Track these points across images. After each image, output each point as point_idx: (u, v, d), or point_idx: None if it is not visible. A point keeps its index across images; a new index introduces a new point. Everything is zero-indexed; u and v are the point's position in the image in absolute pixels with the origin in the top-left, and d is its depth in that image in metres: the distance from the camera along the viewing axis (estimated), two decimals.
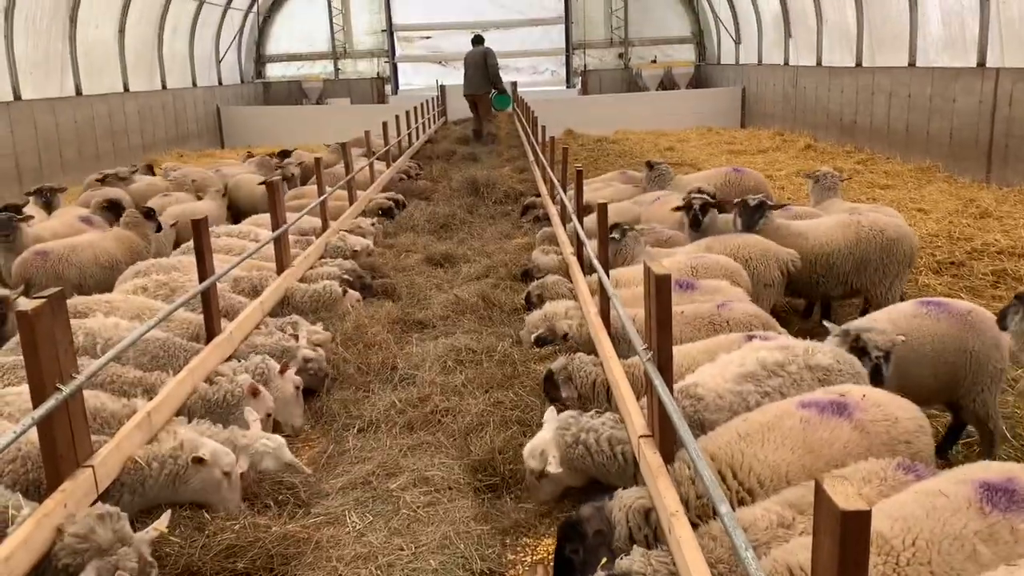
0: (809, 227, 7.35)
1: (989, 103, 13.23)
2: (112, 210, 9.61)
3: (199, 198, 11.87)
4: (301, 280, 7.86)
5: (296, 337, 6.28)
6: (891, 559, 2.79)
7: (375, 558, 4.11)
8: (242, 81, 30.39)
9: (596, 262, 6.02)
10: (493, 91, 20.72)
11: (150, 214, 8.99)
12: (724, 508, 2.60)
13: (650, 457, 3.83)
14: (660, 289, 3.71)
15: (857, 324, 4.79)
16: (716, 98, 26.60)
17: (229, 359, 5.82)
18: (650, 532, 3.66)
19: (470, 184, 13.87)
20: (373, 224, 10.74)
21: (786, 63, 22.95)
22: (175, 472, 4.30)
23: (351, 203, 11.47)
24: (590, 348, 5.85)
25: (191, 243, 8.08)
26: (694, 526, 3.39)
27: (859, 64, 18.56)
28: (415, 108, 20.65)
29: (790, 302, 7.93)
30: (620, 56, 32.00)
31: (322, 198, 9.81)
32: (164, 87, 23.47)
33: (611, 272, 6.38)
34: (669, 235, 8.27)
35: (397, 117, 17.88)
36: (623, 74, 31.79)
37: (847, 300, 7.66)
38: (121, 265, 7.96)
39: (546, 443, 4.39)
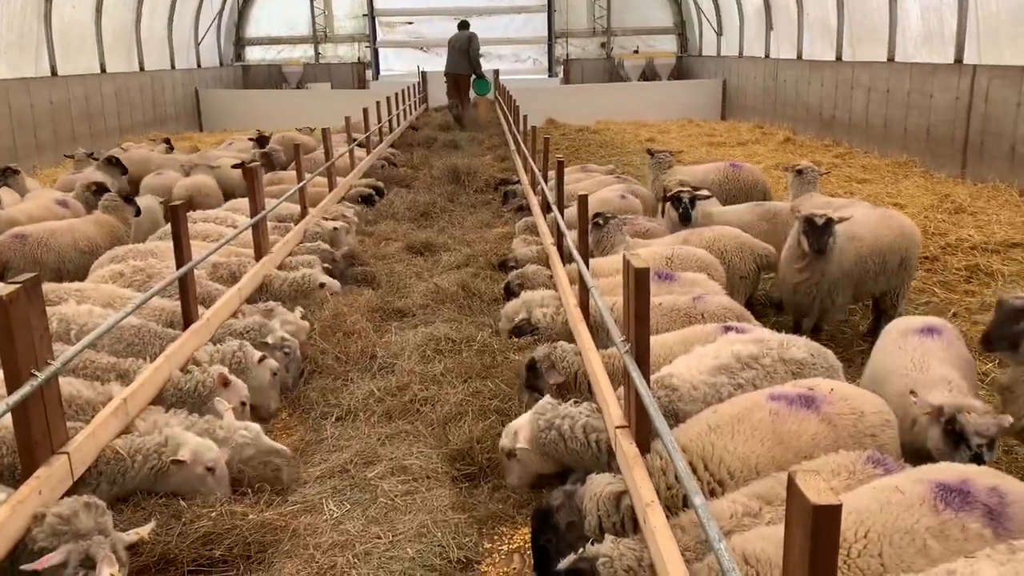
0: (858, 226, 6.80)
1: (965, 99, 13.37)
2: (98, 194, 9.43)
3: None
4: (280, 267, 7.83)
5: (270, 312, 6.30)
6: (842, 550, 2.87)
7: (352, 546, 4.13)
8: (221, 64, 30.07)
9: (576, 253, 6.04)
10: (473, 76, 21.54)
11: (130, 199, 8.90)
12: (699, 500, 2.64)
13: (626, 447, 3.87)
14: (639, 282, 3.74)
15: (953, 402, 4.00)
16: (697, 90, 26.68)
17: (205, 344, 5.80)
18: (618, 520, 3.71)
19: (451, 172, 13.84)
20: (354, 212, 10.70)
21: (767, 56, 23.06)
22: (157, 468, 4.30)
23: (331, 189, 11.42)
24: (566, 337, 5.88)
25: (168, 228, 8.06)
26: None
27: (839, 58, 18.68)
28: (396, 94, 20.55)
29: (767, 294, 8.00)
30: (602, 46, 31.99)
31: (301, 184, 9.75)
32: (142, 69, 23.18)
33: (590, 262, 6.41)
34: (648, 226, 8.32)
35: (378, 103, 17.79)
36: (605, 64, 31.79)
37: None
38: (101, 250, 7.88)
39: (521, 424, 4.49)
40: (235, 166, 11.84)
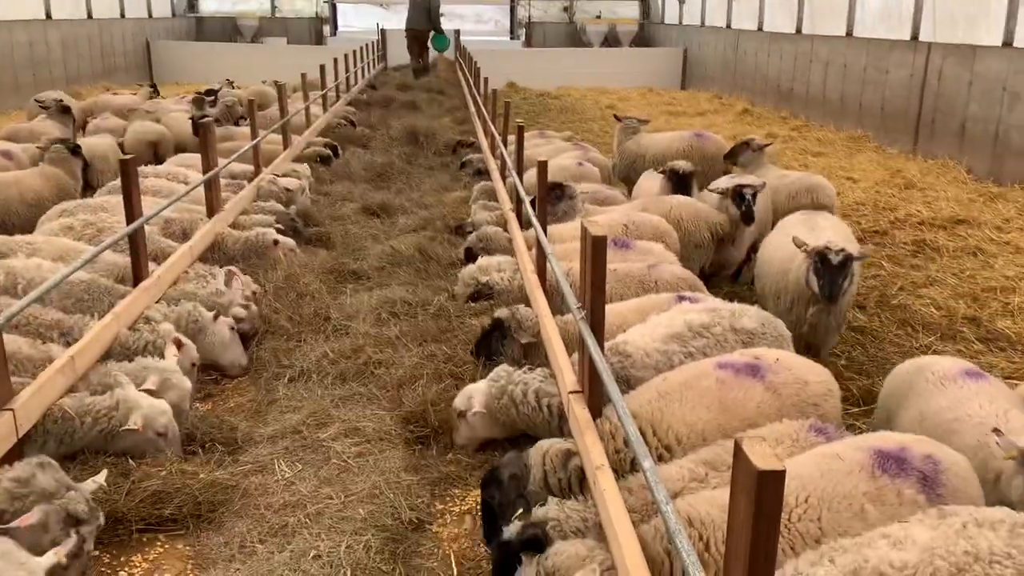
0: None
1: (920, 77, 13.59)
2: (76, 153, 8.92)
3: None
4: (232, 225, 7.70)
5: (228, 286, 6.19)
6: (784, 515, 2.96)
7: (304, 506, 4.14)
8: (174, 15, 29.16)
9: (534, 219, 6.05)
10: (432, 32, 22.32)
11: (76, 150, 8.64)
12: (647, 463, 2.69)
13: (579, 412, 3.92)
14: (596, 250, 3.77)
15: None
16: (658, 58, 26.66)
17: (158, 302, 5.71)
18: (564, 477, 3.77)
19: (409, 133, 13.70)
20: (308, 169, 10.54)
21: (728, 26, 23.10)
22: (107, 430, 4.24)
23: (285, 148, 11.22)
24: (523, 301, 5.92)
25: (118, 182, 7.86)
26: None
27: (799, 31, 18.80)
28: (354, 52, 20.18)
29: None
30: (565, 10, 31.71)
31: (255, 141, 9.56)
32: (90, 16, 22.36)
33: (548, 228, 6.42)
34: (607, 195, 8.36)
35: (335, 60, 17.45)
36: (567, 28, 31.54)
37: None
38: (47, 204, 7.67)
39: (477, 389, 4.56)
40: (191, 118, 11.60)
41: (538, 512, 3.44)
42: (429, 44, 22.96)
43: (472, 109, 15.75)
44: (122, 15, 24.44)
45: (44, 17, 19.92)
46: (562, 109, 19.33)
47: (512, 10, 31.74)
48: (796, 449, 3.41)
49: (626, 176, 10.22)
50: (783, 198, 7.86)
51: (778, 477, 1.88)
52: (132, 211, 5.72)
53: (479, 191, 9.68)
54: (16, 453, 3.92)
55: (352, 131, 14.33)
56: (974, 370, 4.21)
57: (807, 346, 5.50)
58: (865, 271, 7.91)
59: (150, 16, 26.72)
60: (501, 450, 4.54)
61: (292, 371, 5.56)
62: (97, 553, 3.75)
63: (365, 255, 7.89)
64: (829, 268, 5.08)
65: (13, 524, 3.20)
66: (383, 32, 27.00)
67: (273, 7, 31.49)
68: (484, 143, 11.94)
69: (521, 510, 3.58)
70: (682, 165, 8.01)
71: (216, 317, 5.56)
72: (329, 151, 11.97)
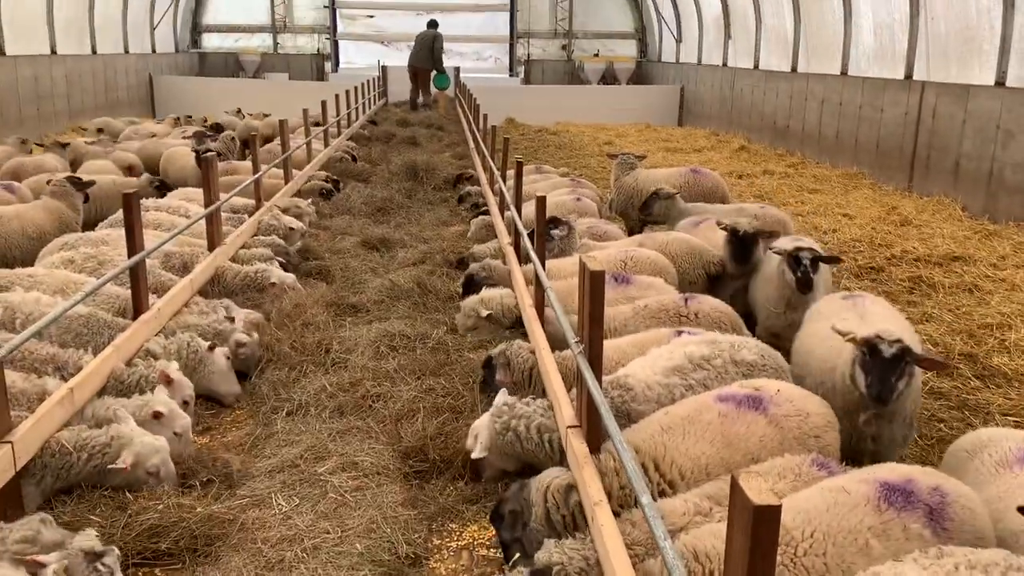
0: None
1: (914, 115, 13.75)
2: (81, 187, 8.89)
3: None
4: (233, 259, 7.75)
5: (232, 319, 6.22)
6: (790, 549, 2.97)
7: (301, 540, 4.12)
8: (177, 50, 29.52)
9: (533, 253, 6.09)
10: (434, 71, 23.66)
11: (79, 183, 8.72)
12: (645, 499, 2.70)
13: (577, 447, 3.93)
14: (594, 285, 3.80)
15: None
16: (655, 95, 26.97)
17: (157, 335, 5.73)
18: (567, 513, 3.76)
19: (409, 168, 13.81)
20: (309, 203, 10.62)
21: (724, 64, 23.40)
22: (100, 466, 4.24)
23: (287, 182, 11.32)
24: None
25: (119, 215, 7.92)
26: (617, 515, 3.51)
27: (794, 69, 19.06)
28: (355, 88, 20.42)
29: None
30: (563, 48, 32.14)
31: (257, 176, 9.65)
32: (94, 52, 22.64)
33: (547, 263, 6.47)
34: (605, 230, 8.42)
35: (337, 96, 17.65)
36: (566, 66, 31.95)
37: None
38: (49, 237, 7.73)
39: (480, 427, 4.52)
40: (194, 150, 11.73)
41: (540, 557, 3.41)
42: (431, 83, 24.10)
43: (471, 145, 15.90)
44: (126, 51, 24.73)
45: (49, 52, 20.16)
46: (560, 145, 19.50)
47: (511, 48, 32.16)
48: (799, 483, 3.41)
49: (623, 211, 10.30)
50: None
51: (774, 512, 1.90)
52: (134, 244, 5.76)
53: (478, 225, 9.75)
54: (14, 486, 3.91)
55: (353, 166, 14.46)
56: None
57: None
58: None
59: (153, 52, 27.04)
60: (504, 483, 4.54)
61: (290, 404, 5.56)
62: None
63: (364, 288, 7.93)
64: (880, 362, 4.15)
65: (30, 557, 3.22)
66: (384, 68, 27.33)
67: (275, 43, 31.89)
68: (483, 178, 12.04)
69: (518, 554, 3.59)
70: (743, 225, 6.88)
71: (212, 348, 5.59)
72: (330, 185, 12.07)
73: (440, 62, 23.58)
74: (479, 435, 4.50)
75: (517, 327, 6.36)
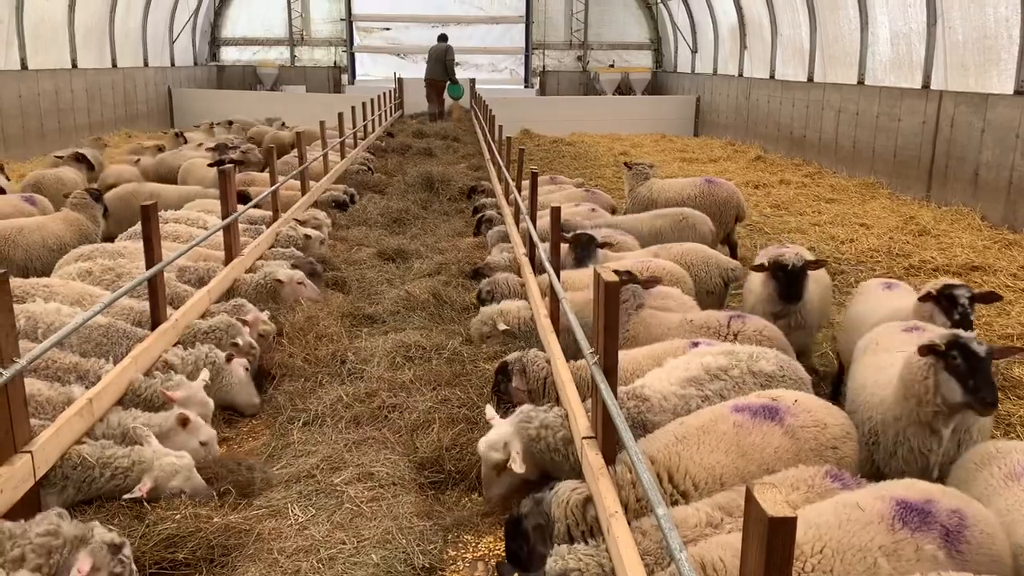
0: None
1: (932, 124, 13.67)
2: (99, 200, 9.06)
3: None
4: (248, 271, 7.80)
5: (245, 322, 6.28)
6: (798, 563, 2.92)
7: (316, 551, 4.13)
8: (195, 63, 29.81)
9: (547, 264, 6.10)
10: (448, 82, 24.59)
11: (98, 196, 8.82)
12: (661, 511, 2.69)
13: (592, 458, 3.92)
14: (608, 296, 3.80)
15: None
16: (671, 105, 26.96)
17: (175, 346, 5.78)
18: (587, 528, 3.74)
19: (425, 179, 13.86)
20: (326, 216, 10.68)
21: (740, 74, 23.37)
22: (124, 488, 4.27)
23: (303, 193, 11.39)
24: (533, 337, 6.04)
25: (138, 227, 8.00)
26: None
27: (811, 79, 19.00)
28: (372, 100, 20.54)
29: None
30: (579, 59, 32.21)
31: (274, 187, 9.72)
32: (114, 65, 22.92)
33: (562, 274, 6.47)
34: (619, 240, 8.40)
35: (353, 108, 17.76)
36: (581, 76, 32.01)
37: None
38: (68, 248, 7.82)
39: (508, 436, 4.38)
40: (210, 164, 11.83)
41: (555, 566, 3.38)
42: (445, 93, 24.89)
43: (487, 156, 15.94)
44: (145, 64, 25.02)
45: (70, 66, 20.43)
46: (575, 156, 19.52)
47: (527, 59, 32.27)
48: (812, 495, 3.38)
49: None
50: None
51: (789, 524, 1.89)
52: (152, 255, 5.82)
53: (494, 237, 9.76)
54: (34, 495, 3.95)
55: (369, 177, 14.54)
56: None
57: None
58: None
59: (172, 64, 27.33)
60: (517, 495, 4.53)
61: (307, 415, 5.58)
62: None
63: (380, 299, 7.96)
64: (977, 362, 3.78)
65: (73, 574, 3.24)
66: (400, 81, 27.49)
67: (293, 56, 32.16)
68: (498, 189, 12.07)
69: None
70: (791, 258, 5.96)
71: (230, 359, 5.62)
72: (346, 197, 12.13)
73: (453, 73, 24.60)
74: (509, 443, 4.33)
75: (534, 340, 6.36)
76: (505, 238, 9.52)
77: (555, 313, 5.99)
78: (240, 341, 5.96)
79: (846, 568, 2.91)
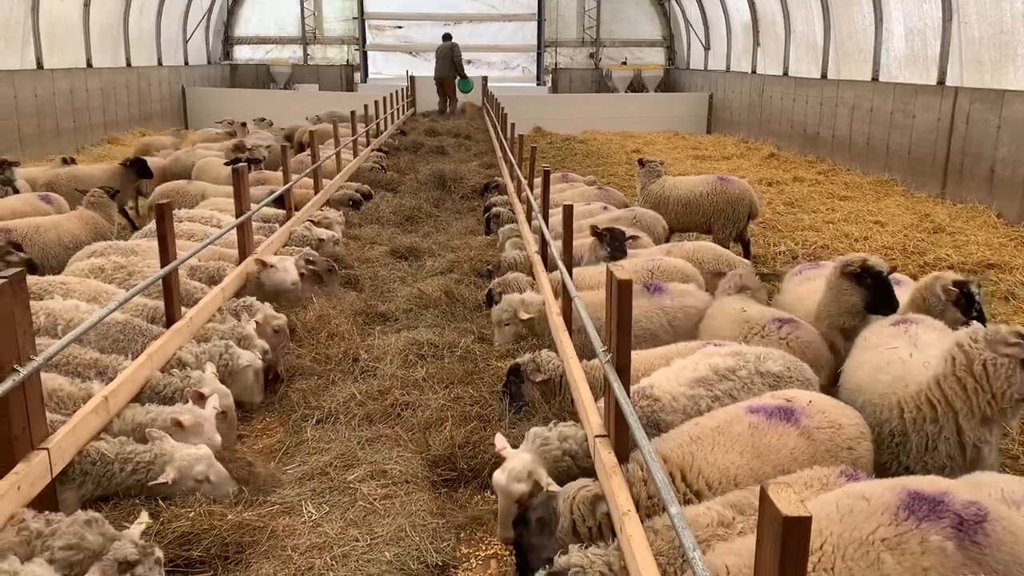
0: None
1: (947, 120, 13.58)
2: (115, 197, 9.15)
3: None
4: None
5: (258, 323, 6.30)
6: None
7: (330, 548, 4.14)
8: (209, 62, 29.96)
9: (560, 263, 6.10)
10: (457, 77, 25.42)
11: (114, 195, 8.88)
12: (674, 509, 2.68)
13: (605, 457, 3.92)
14: (622, 294, 3.79)
15: None
16: (684, 103, 26.90)
17: (189, 343, 5.81)
18: (595, 524, 3.73)
19: (437, 178, 13.88)
20: (340, 214, 10.70)
21: (753, 71, 23.27)
22: (143, 479, 4.30)
23: (316, 191, 11.42)
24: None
25: (151, 226, 8.05)
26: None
27: (824, 76, 18.90)
28: (384, 98, 20.58)
29: None
30: (591, 56, 32.16)
31: (287, 186, 9.75)
32: (128, 64, 23.06)
33: (574, 271, 6.47)
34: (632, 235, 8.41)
35: (365, 107, 17.80)
36: (593, 74, 31.97)
37: None
38: (83, 246, 7.86)
39: (530, 464, 4.18)
40: (227, 163, 11.89)
41: (560, 560, 3.39)
42: (456, 89, 25.70)
43: (499, 154, 15.95)
44: (159, 63, 25.15)
45: (85, 66, 20.57)
46: (588, 153, 19.49)
47: (539, 57, 32.25)
48: (825, 493, 3.36)
49: None
50: None
51: (804, 524, 1.88)
52: (167, 253, 5.85)
53: (506, 234, 9.76)
54: (50, 491, 3.98)
55: (382, 175, 14.56)
56: None
57: None
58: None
59: (186, 64, 27.48)
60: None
61: (320, 412, 5.61)
62: None
63: (393, 297, 7.98)
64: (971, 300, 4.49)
65: None
66: (412, 79, 27.54)
67: (305, 55, 32.27)
68: (510, 187, 12.07)
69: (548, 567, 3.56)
70: (879, 264, 5.42)
71: (244, 368, 5.67)
72: (359, 195, 12.16)
73: (461, 68, 25.29)
74: (534, 471, 4.13)
75: (547, 336, 6.37)
76: (516, 235, 9.52)
77: (567, 311, 5.99)
78: (256, 345, 6.01)
79: (847, 564, 2.73)
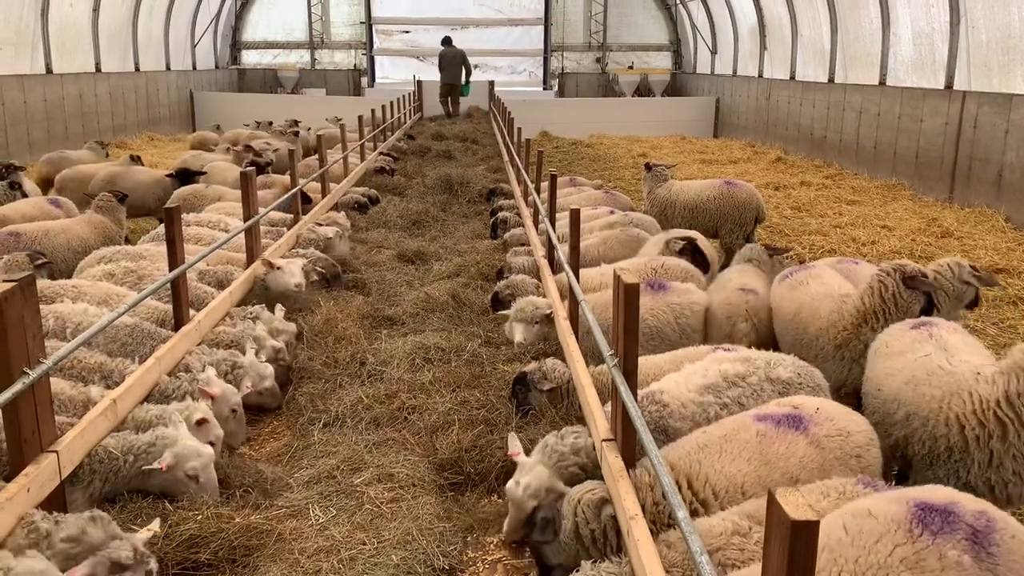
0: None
1: (955, 125, 13.55)
2: (123, 201, 9.16)
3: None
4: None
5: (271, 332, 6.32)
6: None
7: (337, 551, 4.15)
8: (217, 67, 30.09)
9: (567, 266, 6.10)
10: (463, 82, 25.91)
11: (123, 199, 8.92)
12: (682, 513, 2.68)
13: (612, 461, 3.91)
14: (629, 298, 3.79)
15: None
16: (690, 107, 26.89)
17: (199, 345, 5.83)
18: (598, 527, 3.72)
19: (444, 182, 13.90)
20: (344, 216, 10.72)
21: (760, 75, 23.26)
22: (143, 464, 4.31)
23: (324, 196, 11.45)
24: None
25: (160, 230, 8.08)
26: (651, 531, 3.47)
27: (831, 80, 18.88)
28: (391, 102, 20.63)
29: None
30: (597, 60, 32.20)
31: (295, 190, 9.78)
32: (137, 69, 23.18)
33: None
34: (635, 233, 8.43)
35: (373, 111, 17.84)
36: (600, 78, 31.99)
37: None
38: (93, 250, 7.89)
39: (546, 481, 4.16)
40: (249, 164, 11.95)
41: None
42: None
43: (506, 158, 15.96)
44: (167, 67, 25.27)
45: (94, 70, 20.67)
46: (594, 158, 19.50)
47: (545, 61, 32.29)
48: (843, 501, 3.27)
49: (658, 224, 10.27)
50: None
51: (812, 528, 1.88)
52: (176, 257, 5.87)
53: (512, 240, 9.77)
54: (59, 494, 4.00)
55: (389, 179, 14.59)
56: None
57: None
58: None
59: (194, 68, 27.60)
60: None
61: (327, 416, 5.61)
62: None
63: (400, 301, 7.99)
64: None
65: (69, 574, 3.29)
66: (419, 83, 27.60)
67: (313, 59, 32.38)
68: (517, 191, 12.08)
69: None
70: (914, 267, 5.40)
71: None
72: (366, 199, 12.19)
73: (470, 73, 25.63)
74: (552, 487, 4.12)
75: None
76: (520, 240, 9.54)
77: (574, 315, 5.99)
78: (268, 347, 6.02)
79: None
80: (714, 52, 27.57)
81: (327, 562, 4.06)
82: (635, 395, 3.83)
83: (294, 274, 7.42)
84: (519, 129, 14.49)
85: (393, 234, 10.81)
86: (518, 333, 6.53)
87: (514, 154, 13.86)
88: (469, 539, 4.37)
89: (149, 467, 4.26)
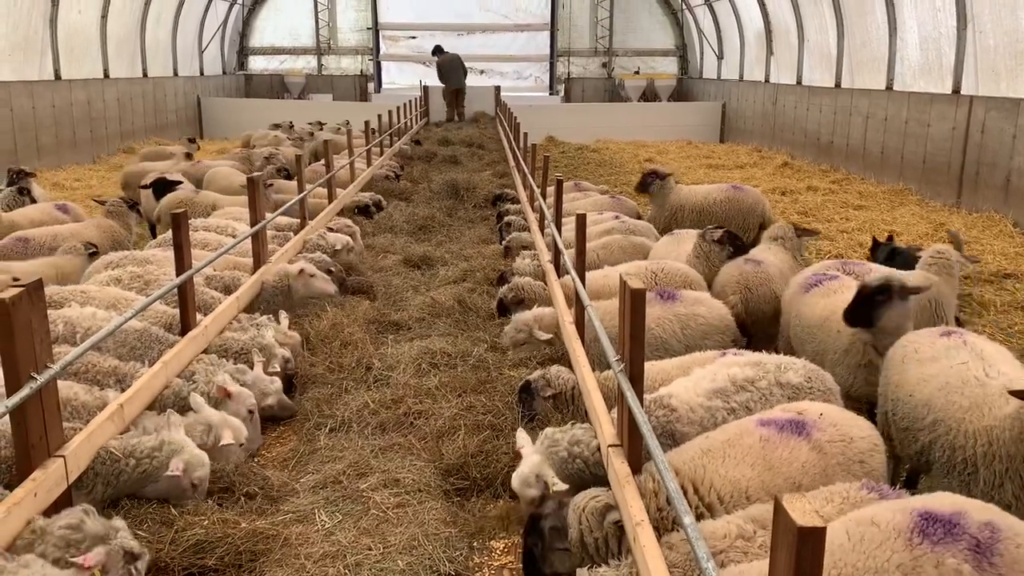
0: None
1: (962, 129, 13.51)
2: (133, 208, 9.31)
3: None
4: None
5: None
6: None
7: (343, 557, 4.15)
8: (224, 72, 30.20)
9: (573, 271, 6.09)
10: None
11: (134, 204, 8.97)
12: (688, 519, 2.67)
13: (618, 466, 3.91)
14: (635, 303, 3.79)
15: None
16: (697, 112, 26.89)
17: (203, 354, 5.84)
18: (601, 536, 3.71)
19: (450, 187, 13.91)
20: (353, 222, 10.74)
21: (767, 80, 23.24)
22: (150, 471, 4.32)
23: (330, 201, 11.48)
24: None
25: (167, 235, 8.11)
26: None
27: (838, 85, 18.85)
28: (398, 108, 20.67)
29: None
30: (604, 65, 32.22)
31: (302, 195, 9.80)
32: (145, 75, 23.28)
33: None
34: (639, 241, 8.42)
35: (379, 116, 17.88)
36: (606, 83, 32.01)
37: None
38: (100, 254, 7.93)
39: (538, 466, 4.23)
40: (278, 169, 12.07)
41: None
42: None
43: (512, 163, 15.98)
44: (175, 73, 25.38)
45: (102, 76, 20.77)
46: (600, 163, 19.50)
47: (551, 66, 32.32)
48: (847, 507, 3.27)
49: (667, 228, 10.25)
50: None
51: (819, 535, 1.87)
52: (183, 262, 5.89)
53: (516, 243, 9.76)
54: (66, 498, 4.01)
55: (395, 184, 14.61)
56: None
57: None
58: None
59: (202, 74, 27.71)
60: None
61: (333, 421, 5.62)
62: None
63: (406, 306, 7.99)
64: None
65: (78, 559, 3.30)
66: (426, 89, 27.66)
67: (320, 65, 32.48)
68: (523, 196, 12.08)
69: None
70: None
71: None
72: (371, 204, 12.20)
73: (466, 75, 26.44)
74: (542, 474, 4.19)
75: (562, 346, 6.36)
76: (524, 245, 9.54)
77: (580, 321, 5.98)
78: (277, 355, 6.04)
79: None
80: (720, 57, 27.56)
81: (333, 567, 4.06)
82: (641, 401, 3.82)
83: (330, 281, 7.50)
84: (525, 134, 14.50)
85: (399, 239, 10.82)
86: (511, 350, 6.60)
87: (520, 159, 13.87)
88: (475, 544, 4.37)
89: (168, 474, 4.27)
